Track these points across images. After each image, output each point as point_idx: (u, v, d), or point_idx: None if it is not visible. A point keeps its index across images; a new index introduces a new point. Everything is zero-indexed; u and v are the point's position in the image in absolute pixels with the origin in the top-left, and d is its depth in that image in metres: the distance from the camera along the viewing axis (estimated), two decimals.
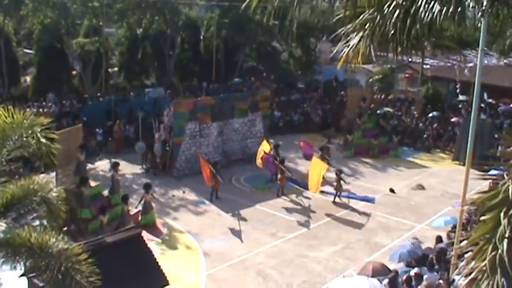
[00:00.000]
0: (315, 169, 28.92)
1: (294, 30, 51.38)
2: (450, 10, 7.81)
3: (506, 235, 6.68)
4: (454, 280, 15.23)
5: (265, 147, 31.04)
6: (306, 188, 30.63)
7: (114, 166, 27.57)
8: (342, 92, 50.37)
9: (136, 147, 33.77)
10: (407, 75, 55.90)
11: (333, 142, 38.44)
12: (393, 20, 8.47)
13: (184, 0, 49.96)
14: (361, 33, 9.17)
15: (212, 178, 28.52)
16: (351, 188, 30.68)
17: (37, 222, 12.50)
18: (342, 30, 9.54)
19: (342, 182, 29.50)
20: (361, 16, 9.05)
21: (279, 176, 30.18)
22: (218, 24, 48.60)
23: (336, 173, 29.74)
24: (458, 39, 47.11)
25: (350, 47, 9.39)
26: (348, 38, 9.51)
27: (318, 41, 56.16)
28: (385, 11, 8.61)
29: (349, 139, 38.33)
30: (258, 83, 52.32)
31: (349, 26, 9.38)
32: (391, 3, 8.58)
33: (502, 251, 6.59)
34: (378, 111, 43.94)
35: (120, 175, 28.29)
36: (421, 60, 48.33)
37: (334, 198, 29.38)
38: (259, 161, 30.90)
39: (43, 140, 11.03)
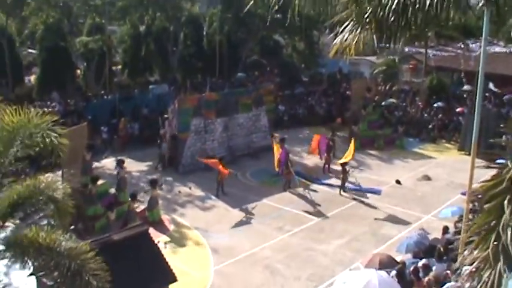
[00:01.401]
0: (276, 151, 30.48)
1: (297, 23, 51.27)
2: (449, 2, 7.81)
3: (511, 223, 6.67)
4: (458, 269, 15.22)
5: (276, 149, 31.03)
6: (313, 181, 30.73)
7: (119, 163, 27.59)
8: (346, 84, 50.34)
9: (162, 149, 33.63)
10: (411, 66, 55.86)
11: (338, 135, 38.29)
12: (393, 8, 8.46)
13: None
14: (358, 22, 9.17)
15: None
16: (357, 180, 30.64)
17: (45, 222, 12.52)
18: (338, 19, 9.55)
19: (348, 173, 29.61)
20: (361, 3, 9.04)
21: (285, 170, 30.20)
22: (221, 19, 48.50)
23: (341, 165, 29.84)
24: (462, 29, 47.03)
25: (347, 34, 9.39)
26: (344, 25, 9.51)
27: (321, 34, 55.99)
28: (384, 1, 8.61)
29: (355, 131, 38.30)
30: (261, 78, 52.32)
31: (343, 13, 9.38)
32: None
33: (506, 239, 6.57)
34: (383, 103, 43.90)
35: (126, 172, 28.30)
36: (424, 50, 48.23)
37: (340, 190, 29.42)
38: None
39: (54, 134, 11.04)
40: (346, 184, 29.93)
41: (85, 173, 25.94)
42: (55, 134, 11.04)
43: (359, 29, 9.36)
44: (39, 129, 10.95)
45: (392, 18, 8.60)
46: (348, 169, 29.87)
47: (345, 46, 9.80)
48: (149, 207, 25.28)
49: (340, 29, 9.66)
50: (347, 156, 30.13)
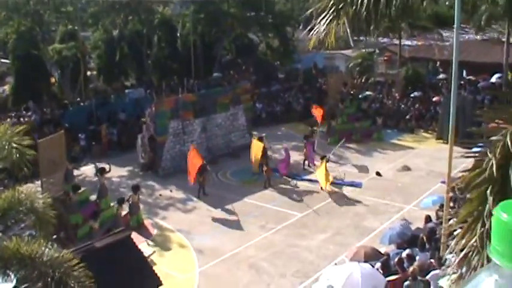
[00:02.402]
0: (253, 150, 30.71)
1: (270, 20, 51.32)
2: None
3: (493, 212, 6.73)
4: (446, 259, 15.31)
5: (257, 148, 31.03)
6: (293, 177, 30.85)
7: (100, 171, 27.38)
8: (322, 79, 50.48)
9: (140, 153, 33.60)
10: (386, 57, 56.11)
11: (316, 130, 38.38)
12: (365, 2, 8.50)
13: None
14: (332, 14, 9.19)
15: (201, 175, 28.42)
16: (337, 174, 30.71)
17: (27, 232, 12.43)
18: (312, 12, 9.58)
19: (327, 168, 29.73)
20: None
21: (264, 168, 30.22)
22: (194, 20, 48.42)
23: (322, 159, 29.97)
24: (435, 18, 47.32)
25: (322, 27, 9.41)
26: (319, 18, 9.54)
27: (294, 30, 56.11)
28: None
29: (333, 125, 38.44)
30: (237, 76, 52.29)
31: (318, 5, 9.41)
32: None
33: (490, 225, 6.64)
34: (360, 96, 44.07)
35: (106, 178, 28.15)
36: (399, 42, 48.47)
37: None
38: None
39: (23, 150, 10.95)
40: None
41: (67, 181, 25.80)
42: (24, 147, 10.95)
43: (334, 22, 9.39)
44: (11, 142, 10.87)
45: (365, 10, 8.64)
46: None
47: (322, 39, 9.83)
48: (131, 212, 25.16)
49: (317, 21, 9.69)
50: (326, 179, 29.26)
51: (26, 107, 40.58)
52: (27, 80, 41.55)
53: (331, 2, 9.30)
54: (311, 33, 9.98)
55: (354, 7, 8.86)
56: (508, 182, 6.60)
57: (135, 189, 25.62)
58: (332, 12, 9.31)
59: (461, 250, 7.01)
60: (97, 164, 29.37)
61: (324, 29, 9.55)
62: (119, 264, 15.04)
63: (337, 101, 40.23)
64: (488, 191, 6.76)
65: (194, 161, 28.31)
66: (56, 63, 44.92)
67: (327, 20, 9.49)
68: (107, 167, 27.63)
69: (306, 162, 33.02)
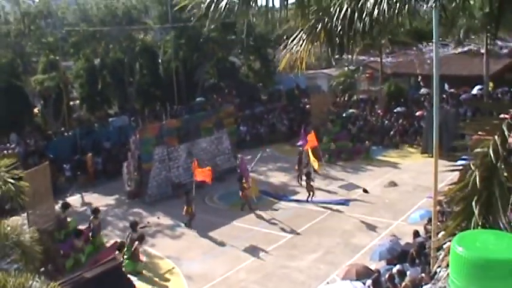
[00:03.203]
0: None
1: (250, 43, 51.54)
2: (398, 6, 7.91)
3: (480, 223, 6.75)
4: (435, 273, 15.29)
5: None
6: (280, 198, 30.81)
7: (94, 211, 26.91)
8: (305, 99, 50.68)
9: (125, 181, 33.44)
10: (367, 75, 56.39)
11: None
12: (340, 20, 8.54)
13: (139, 26, 49.87)
14: (307, 34, 9.22)
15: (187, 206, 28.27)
16: (324, 193, 30.73)
17: (14, 266, 12.30)
18: (286, 32, 9.62)
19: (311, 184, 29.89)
20: (310, 18, 9.09)
21: (240, 192, 30.01)
22: (174, 45, 48.55)
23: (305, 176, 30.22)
24: (414, 33, 47.66)
25: (296, 47, 9.44)
26: (293, 39, 9.56)
27: (275, 51, 56.37)
28: (332, 12, 8.68)
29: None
30: (220, 100, 52.39)
31: (290, 25, 9.44)
32: (338, 3, 8.66)
33: None
34: (343, 114, 44.24)
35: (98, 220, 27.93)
36: (379, 58, 48.76)
37: (308, 198, 30.06)
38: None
39: (10, 181, 10.88)
40: (314, 198, 30.10)
41: (61, 228, 25.75)
42: (11, 179, 10.86)
43: (307, 42, 9.41)
44: None
45: (340, 29, 8.68)
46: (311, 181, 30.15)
47: (295, 60, 9.84)
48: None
49: (289, 42, 9.71)
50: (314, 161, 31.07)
51: (9, 139, 40.41)
52: (10, 112, 41.40)
53: (305, 23, 9.32)
54: (282, 54, 10.01)
55: (328, 25, 8.89)
56: (492, 193, 6.61)
57: (134, 226, 25.10)
58: (306, 32, 9.34)
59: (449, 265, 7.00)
60: (83, 193, 29.18)
61: (298, 50, 9.57)
62: None
63: (322, 120, 40.26)
64: (473, 203, 6.77)
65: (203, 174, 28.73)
66: (39, 94, 44.87)
67: (300, 40, 9.51)
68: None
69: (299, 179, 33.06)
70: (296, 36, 9.53)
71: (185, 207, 27.85)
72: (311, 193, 30.21)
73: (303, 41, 9.34)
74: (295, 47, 9.50)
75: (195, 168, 29.01)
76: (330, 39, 8.98)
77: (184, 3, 8.27)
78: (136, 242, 23.70)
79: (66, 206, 27.00)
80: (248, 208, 29.66)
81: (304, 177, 31.31)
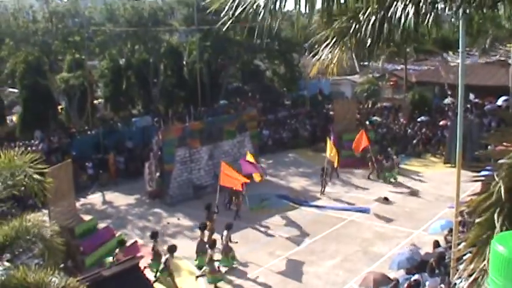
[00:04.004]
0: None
1: (275, 47, 51.54)
2: (423, 13, 7.90)
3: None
4: (455, 284, 15.19)
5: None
6: (301, 204, 30.75)
7: (154, 236, 24.56)
8: (329, 105, 50.57)
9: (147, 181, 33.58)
10: (391, 83, 56.19)
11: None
12: (369, 27, 8.53)
13: (164, 28, 50.09)
14: (336, 41, 9.23)
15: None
16: (345, 200, 30.67)
17: (35, 261, 12.37)
18: (316, 39, 9.61)
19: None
20: (336, 24, 9.09)
21: (235, 200, 29.71)
22: (200, 48, 48.66)
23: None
24: (440, 42, 47.48)
25: (325, 54, 9.44)
26: (322, 46, 9.57)
27: (300, 56, 56.30)
28: (361, 19, 8.67)
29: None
30: (244, 103, 52.41)
31: (322, 33, 9.43)
32: (366, 11, 8.64)
33: None
34: (367, 121, 44.09)
35: (114, 206, 27.96)
36: (404, 66, 48.58)
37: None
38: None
39: (35, 176, 10.94)
40: (334, 204, 30.10)
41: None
42: (36, 175, 10.93)
43: (337, 49, 9.42)
44: (20, 168, 10.85)
45: (370, 37, 8.67)
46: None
47: (325, 66, 9.86)
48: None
49: (321, 49, 9.71)
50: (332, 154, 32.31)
51: (33, 136, 40.74)
52: (35, 109, 41.78)
53: (335, 30, 9.32)
54: (313, 60, 10.00)
55: (358, 34, 8.88)
56: None
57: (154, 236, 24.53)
58: (336, 40, 9.34)
59: (471, 275, 6.95)
60: (104, 192, 29.16)
61: (327, 57, 9.58)
62: None
63: (344, 127, 40.00)
64: (496, 215, 6.72)
65: (235, 175, 28.28)
66: (64, 92, 45.18)
67: (330, 47, 9.52)
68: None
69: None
70: (326, 43, 9.53)
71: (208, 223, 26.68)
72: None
73: (332, 48, 9.34)
74: (325, 53, 9.50)
75: (223, 172, 28.43)
76: (359, 46, 8.98)
77: (214, 6, 8.29)
78: (168, 255, 22.58)
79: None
80: (235, 217, 28.98)
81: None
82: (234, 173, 28.42)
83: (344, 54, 9.57)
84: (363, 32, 8.70)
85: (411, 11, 7.97)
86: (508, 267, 3.71)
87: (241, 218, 28.69)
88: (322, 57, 9.54)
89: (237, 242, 25.30)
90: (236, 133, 35.68)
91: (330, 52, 9.54)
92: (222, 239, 24.26)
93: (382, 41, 8.74)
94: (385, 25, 8.41)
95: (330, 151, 32.19)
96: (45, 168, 11.34)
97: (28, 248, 11.43)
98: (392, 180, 33.91)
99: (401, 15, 8.04)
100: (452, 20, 8.24)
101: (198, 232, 26.63)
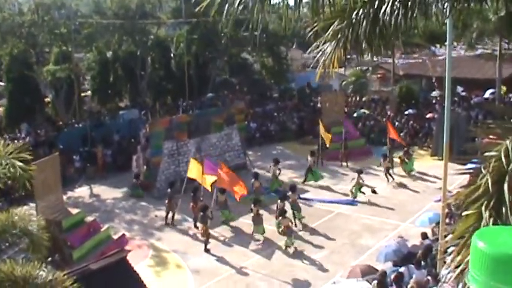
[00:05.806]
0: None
1: (263, 40, 51.49)
2: (415, 12, 7.93)
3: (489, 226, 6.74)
4: (442, 276, 15.27)
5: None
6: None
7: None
8: (316, 98, 50.58)
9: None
10: (379, 75, 56.33)
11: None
12: (363, 27, 8.56)
13: (152, 20, 49.95)
14: (334, 42, 9.26)
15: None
16: (333, 192, 30.71)
17: (21, 256, 12.32)
18: (313, 40, 9.63)
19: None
20: (331, 27, 9.13)
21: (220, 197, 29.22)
22: (187, 40, 48.53)
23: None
24: (427, 35, 47.56)
25: (326, 55, 9.46)
26: (321, 47, 9.59)
27: (288, 49, 56.31)
28: (354, 20, 8.72)
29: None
30: (231, 96, 52.39)
31: (314, 29, 9.46)
32: (358, 11, 8.68)
33: None
34: (354, 114, 44.16)
35: (101, 200, 27.92)
36: (392, 59, 48.69)
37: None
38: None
39: (20, 164, 10.84)
40: (322, 197, 30.13)
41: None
42: (22, 166, 10.84)
43: (335, 46, 9.45)
44: (7, 161, 10.77)
45: (366, 33, 8.71)
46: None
47: (327, 64, 9.87)
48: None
49: (325, 47, 9.71)
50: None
51: (20, 129, 40.58)
52: (21, 102, 41.57)
53: (331, 33, 9.34)
54: (313, 62, 10.04)
55: (355, 31, 8.93)
56: (503, 197, 6.59)
57: None
58: (335, 38, 9.37)
59: (458, 266, 6.98)
60: (92, 185, 29.13)
61: (329, 56, 9.60)
62: (115, 286, 14.93)
63: (332, 120, 39.98)
64: (483, 207, 6.75)
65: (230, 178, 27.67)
66: (50, 85, 44.98)
67: (331, 47, 9.54)
68: None
69: None
70: (324, 42, 9.56)
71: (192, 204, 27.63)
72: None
73: (329, 46, 9.38)
74: (325, 54, 9.53)
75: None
76: (356, 42, 9.04)
77: (205, 3, 8.29)
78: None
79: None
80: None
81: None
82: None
83: (339, 52, 9.60)
84: (357, 32, 8.76)
85: (402, 10, 8.02)
86: (488, 263, 3.73)
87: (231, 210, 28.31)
88: (325, 59, 9.56)
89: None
90: (224, 126, 35.64)
91: (331, 53, 9.57)
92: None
93: (377, 36, 8.80)
94: (377, 24, 8.47)
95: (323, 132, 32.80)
96: (30, 155, 11.22)
97: (14, 243, 11.38)
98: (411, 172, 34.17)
99: (392, 14, 8.09)
100: (440, 12, 8.24)
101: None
